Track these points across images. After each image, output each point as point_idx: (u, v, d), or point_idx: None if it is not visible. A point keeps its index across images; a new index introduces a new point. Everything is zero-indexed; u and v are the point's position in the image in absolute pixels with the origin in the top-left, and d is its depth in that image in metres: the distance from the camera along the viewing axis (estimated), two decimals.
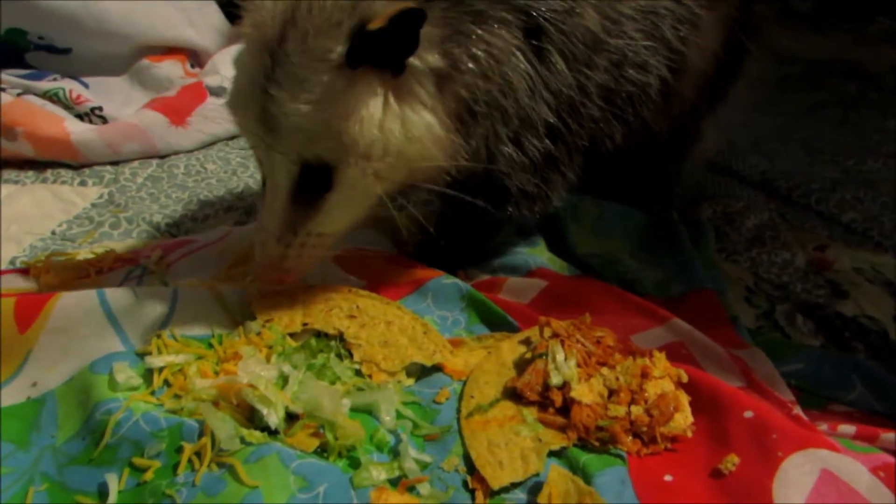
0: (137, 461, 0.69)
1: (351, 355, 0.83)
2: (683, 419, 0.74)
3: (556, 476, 0.69)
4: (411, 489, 0.69)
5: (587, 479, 0.69)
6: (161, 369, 0.78)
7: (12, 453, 0.71)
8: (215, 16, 1.85)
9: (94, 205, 1.32)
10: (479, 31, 0.81)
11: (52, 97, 1.53)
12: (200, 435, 0.70)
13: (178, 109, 1.58)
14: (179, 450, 0.69)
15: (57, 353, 0.79)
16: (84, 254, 1.07)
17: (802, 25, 2.31)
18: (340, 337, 0.85)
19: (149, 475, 0.68)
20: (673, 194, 1.30)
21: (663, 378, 0.77)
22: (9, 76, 1.56)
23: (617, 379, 0.77)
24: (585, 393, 0.75)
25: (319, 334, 0.85)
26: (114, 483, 0.67)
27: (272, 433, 0.72)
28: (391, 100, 0.78)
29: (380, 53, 0.75)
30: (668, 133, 1.15)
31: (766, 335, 1.03)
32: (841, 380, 0.89)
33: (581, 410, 0.74)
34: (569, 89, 0.90)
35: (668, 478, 0.70)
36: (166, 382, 0.78)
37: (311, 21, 0.75)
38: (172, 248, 1.05)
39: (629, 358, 0.80)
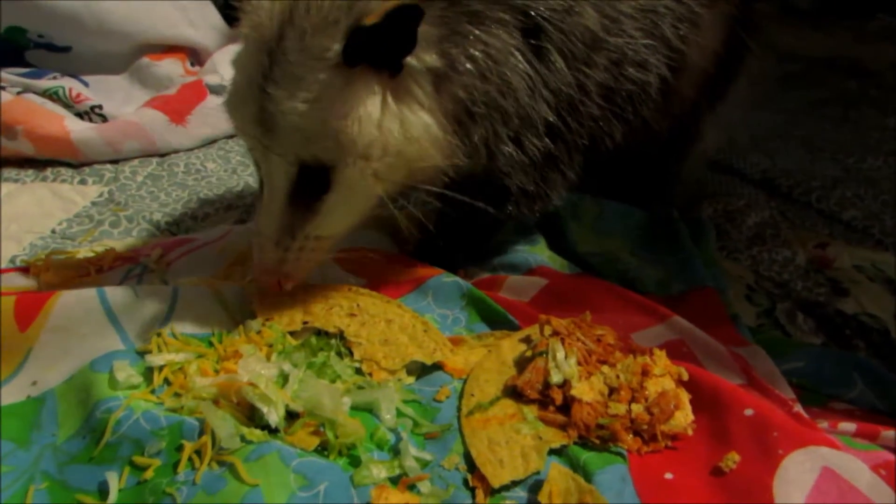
0: (138, 460, 0.69)
1: (351, 354, 0.83)
2: (684, 417, 0.74)
3: (557, 474, 0.69)
4: (412, 487, 0.69)
5: (588, 478, 0.69)
6: (161, 368, 0.78)
7: (12, 452, 0.71)
8: (215, 14, 1.85)
9: (94, 203, 1.32)
10: (477, 32, 0.81)
11: (51, 95, 1.53)
12: (201, 433, 0.70)
13: (178, 108, 1.57)
14: (180, 448, 0.69)
15: (57, 351, 0.79)
16: (84, 252, 1.07)
17: (803, 23, 2.30)
18: (341, 335, 0.85)
19: (149, 474, 0.68)
20: (673, 193, 1.29)
21: (664, 376, 0.77)
22: (8, 74, 1.55)
23: (617, 377, 0.77)
24: (586, 391, 0.75)
25: (320, 332, 0.85)
26: (114, 481, 0.67)
27: (272, 431, 0.72)
28: (389, 99, 0.78)
29: (377, 51, 0.75)
30: (669, 132, 1.14)
31: (767, 333, 1.03)
32: (842, 378, 0.89)
33: (581, 408, 0.74)
34: (568, 88, 0.90)
35: (668, 476, 0.70)
36: (166, 381, 0.78)
37: (308, 20, 0.75)
38: (172, 246, 1.05)
39: (630, 356, 0.80)
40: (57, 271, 0.98)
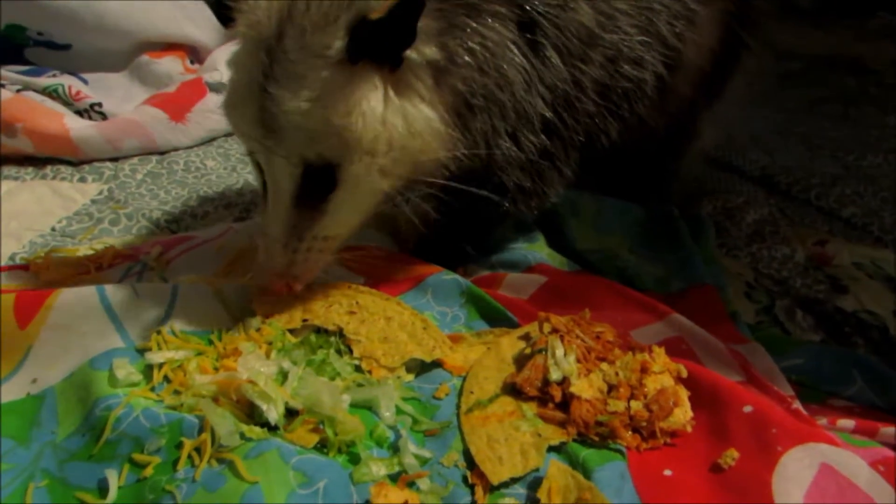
0: (137, 457, 0.69)
1: (351, 351, 0.83)
2: (683, 414, 0.74)
3: (556, 471, 0.69)
4: (411, 484, 0.69)
5: (587, 474, 0.69)
6: (161, 365, 0.78)
7: (12, 450, 0.71)
8: None
9: (93, 201, 1.32)
10: (474, 25, 0.81)
11: (51, 93, 1.53)
12: (200, 431, 0.70)
13: (177, 106, 1.58)
14: (179, 446, 0.69)
15: (57, 349, 0.79)
16: (84, 250, 1.07)
17: (803, 21, 2.30)
18: (340, 333, 0.85)
19: (149, 471, 0.68)
20: (671, 190, 1.29)
21: (663, 373, 0.77)
22: (8, 72, 1.55)
23: (616, 374, 0.77)
24: (585, 388, 0.75)
25: (319, 330, 0.85)
26: (114, 479, 0.67)
27: (272, 429, 0.72)
28: (391, 94, 0.78)
29: (379, 46, 0.75)
30: (666, 129, 1.15)
31: (766, 330, 1.03)
32: (841, 375, 0.89)
33: (580, 405, 0.74)
34: (564, 84, 0.90)
35: (667, 472, 0.70)
36: (166, 378, 0.78)
37: (308, 18, 0.75)
38: (172, 244, 1.05)
39: (629, 353, 0.80)
40: (57, 269, 0.98)
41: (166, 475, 0.67)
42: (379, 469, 0.69)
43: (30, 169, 1.41)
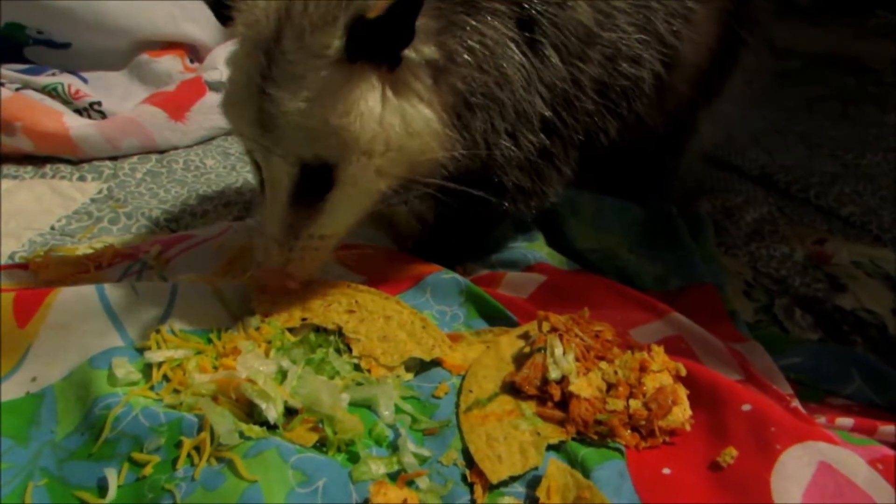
0: (137, 456, 0.69)
1: (350, 350, 0.83)
2: (682, 413, 0.74)
3: (555, 470, 0.69)
4: (410, 483, 0.69)
5: (586, 473, 0.69)
6: (160, 364, 0.78)
7: (11, 448, 0.71)
8: None
9: (93, 200, 1.32)
10: (473, 23, 0.81)
11: (50, 92, 1.53)
12: (200, 430, 0.70)
13: (177, 104, 1.57)
14: (179, 444, 0.69)
15: (56, 348, 0.79)
16: (83, 249, 1.07)
17: (802, 19, 2.31)
18: (339, 332, 0.85)
19: (148, 470, 0.68)
20: (670, 189, 1.29)
21: (662, 372, 0.77)
22: (7, 71, 1.55)
23: (615, 373, 0.77)
24: (584, 387, 0.75)
25: (318, 329, 0.86)
26: (113, 478, 0.67)
27: (271, 428, 0.72)
28: (389, 94, 0.78)
29: (377, 45, 0.75)
30: (664, 127, 1.14)
31: (765, 329, 1.04)
32: (839, 373, 0.89)
33: (579, 404, 0.74)
34: (563, 82, 0.90)
35: (666, 471, 0.70)
36: (165, 377, 0.78)
37: (307, 18, 0.75)
38: (171, 243, 1.04)
39: (628, 352, 0.80)
40: (56, 268, 0.98)
41: (165, 474, 0.67)
42: (378, 468, 0.70)
43: (29, 168, 1.41)
